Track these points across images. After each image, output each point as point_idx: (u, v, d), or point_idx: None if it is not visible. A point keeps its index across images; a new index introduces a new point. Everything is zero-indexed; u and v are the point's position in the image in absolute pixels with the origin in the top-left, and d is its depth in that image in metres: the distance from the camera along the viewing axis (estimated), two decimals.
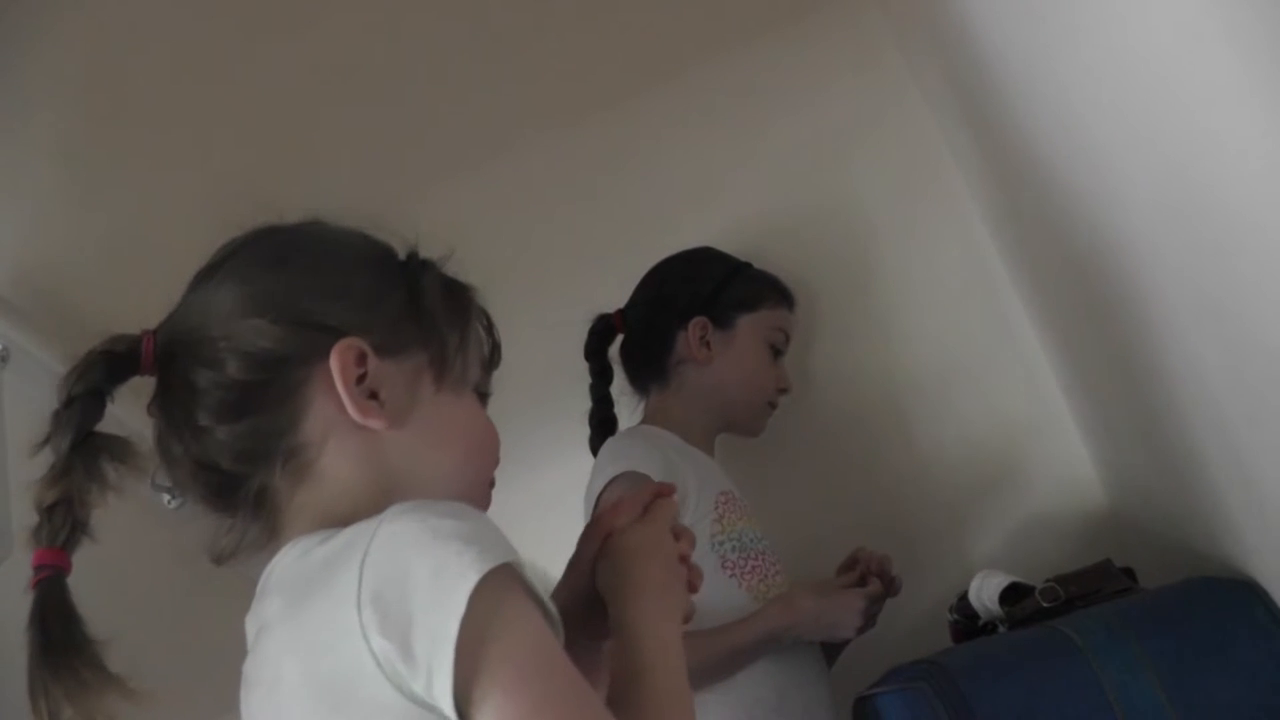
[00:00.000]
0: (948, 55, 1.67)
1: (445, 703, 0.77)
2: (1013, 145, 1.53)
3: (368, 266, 0.98)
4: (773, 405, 1.82)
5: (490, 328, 1.03)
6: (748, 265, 1.84)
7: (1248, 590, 1.31)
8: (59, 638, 0.85)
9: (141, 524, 1.93)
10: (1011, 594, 1.47)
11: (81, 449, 0.89)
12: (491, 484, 1.02)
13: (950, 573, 1.73)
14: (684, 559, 1.03)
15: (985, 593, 1.49)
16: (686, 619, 1.00)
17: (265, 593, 0.90)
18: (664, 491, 1.07)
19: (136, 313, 0.98)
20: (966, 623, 1.53)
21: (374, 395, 0.92)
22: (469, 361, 1.00)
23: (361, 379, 0.92)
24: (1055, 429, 1.85)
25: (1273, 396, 1.07)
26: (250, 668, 0.90)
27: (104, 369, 0.91)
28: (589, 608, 1.00)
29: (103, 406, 0.91)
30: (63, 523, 0.88)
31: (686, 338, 1.75)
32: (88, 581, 1.96)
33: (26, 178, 2.02)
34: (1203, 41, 0.90)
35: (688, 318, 1.75)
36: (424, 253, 1.01)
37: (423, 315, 0.97)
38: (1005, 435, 1.87)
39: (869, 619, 1.54)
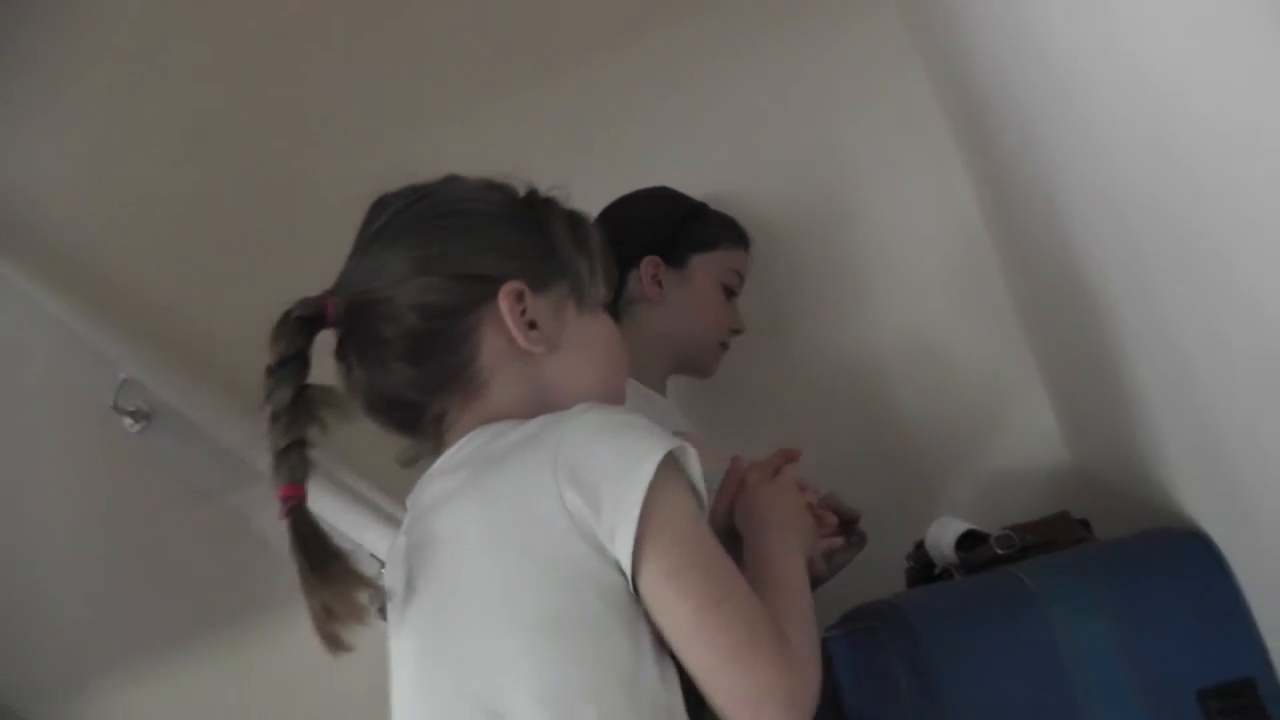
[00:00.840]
0: (941, 14, 1.67)
1: (625, 555, 0.98)
2: (996, 104, 1.53)
3: (507, 217, 1.15)
4: (724, 346, 1.80)
5: (605, 250, 1.21)
6: (703, 206, 1.81)
7: (1199, 542, 1.32)
8: (319, 553, 1.03)
9: (104, 447, 1.95)
10: (968, 541, 1.48)
11: (301, 400, 1.07)
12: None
13: (912, 522, 1.73)
14: (811, 508, 1.26)
15: (942, 539, 1.50)
16: (812, 562, 1.20)
17: (444, 472, 1.10)
18: (791, 456, 1.29)
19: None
20: (922, 569, 1.54)
21: (533, 326, 1.12)
22: (598, 284, 1.19)
23: (522, 314, 1.11)
24: (1022, 384, 1.86)
25: (1240, 348, 1.07)
26: (419, 532, 1.09)
27: (302, 331, 1.10)
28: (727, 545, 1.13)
29: (308, 363, 1.09)
30: (298, 461, 1.06)
31: (639, 276, 1.72)
32: (54, 498, 1.96)
33: None
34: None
35: (640, 257, 1.72)
36: (542, 191, 1.19)
37: (559, 252, 1.16)
38: (973, 389, 1.88)
39: (831, 567, 1.52)
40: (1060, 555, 1.39)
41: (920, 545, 1.54)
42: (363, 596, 1.02)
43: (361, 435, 1.14)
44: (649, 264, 1.72)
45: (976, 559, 1.45)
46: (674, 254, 1.75)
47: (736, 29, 1.97)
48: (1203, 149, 0.97)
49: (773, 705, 0.97)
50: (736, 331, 1.80)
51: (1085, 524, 1.54)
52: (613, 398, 1.16)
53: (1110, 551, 1.40)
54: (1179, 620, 1.27)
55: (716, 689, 0.99)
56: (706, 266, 1.76)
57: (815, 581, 1.46)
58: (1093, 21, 1.05)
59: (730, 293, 1.80)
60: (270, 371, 1.08)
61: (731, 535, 1.20)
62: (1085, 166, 1.28)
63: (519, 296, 1.11)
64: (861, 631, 1.32)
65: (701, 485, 1.05)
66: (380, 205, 1.16)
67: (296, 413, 1.07)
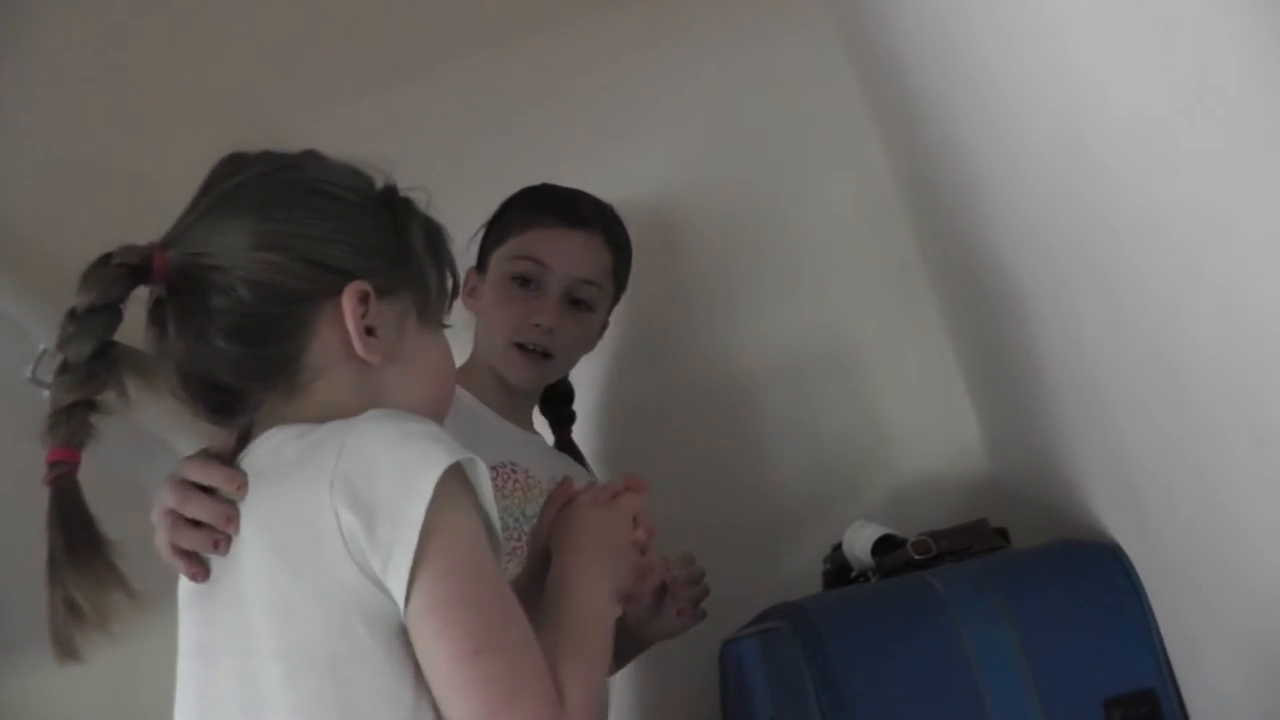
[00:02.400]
0: (871, 17, 1.68)
1: (398, 581, 0.89)
2: (922, 108, 1.54)
3: (366, 210, 1.06)
4: (522, 347, 1.56)
5: (454, 266, 1.12)
6: (520, 194, 1.65)
7: (1110, 554, 1.34)
8: (80, 534, 0.94)
9: (21, 420, 1.92)
10: (884, 545, 1.49)
11: (102, 358, 0.96)
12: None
13: (831, 525, 1.73)
14: (638, 545, 1.14)
15: (858, 543, 1.51)
16: (622, 599, 1.10)
17: None
18: (635, 485, 1.16)
19: None
20: (839, 572, 1.54)
21: (371, 332, 1.02)
22: (444, 300, 1.10)
23: (363, 317, 1.01)
24: (946, 393, 1.86)
25: (1146, 368, 1.09)
26: None
27: (121, 280, 0.98)
28: (540, 563, 1.10)
29: (119, 317, 0.98)
30: (80, 424, 0.95)
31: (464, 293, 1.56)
32: None
33: None
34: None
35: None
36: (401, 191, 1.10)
37: (410, 259, 1.06)
38: (897, 396, 1.88)
39: (655, 630, 1.44)
40: (973, 562, 1.40)
41: (838, 548, 1.55)
42: (117, 599, 0.92)
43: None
44: (468, 276, 1.60)
45: (891, 563, 1.45)
46: (480, 260, 1.64)
47: (661, 24, 1.93)
48: (1117, 166, 0.99)
49: None
50: (538, 326, 1.56)
51: (1003, 533, 1.55)
52: (436, 419, 1.06)
53: (1021, 560, 1.42)
54: (1084, 630, 1.29)
55: None
56: (497, 263, 1.60)
57: (624, 630, 1.27)
58: (1013, 27, 1.06)
59: (525, 280, 1.58)
60: (72, 317, 0.97)
61: (546, 559, 1.11)
62: (1004, 177, 1.29)
63: (364, 298, 1.01)
64: (769, 632, 1.33)
65: (491, 504, 0.97)
66: (233, 164, 1.05)
67: (94, 369, 0.96)
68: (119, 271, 0.98)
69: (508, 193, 1.68)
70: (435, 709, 0.91)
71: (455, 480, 0.92)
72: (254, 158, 1.06)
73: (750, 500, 1.86)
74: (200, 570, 1.00)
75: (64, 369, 0.97)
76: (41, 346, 1.83)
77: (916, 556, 1.44)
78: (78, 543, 0.93)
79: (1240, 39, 0.73)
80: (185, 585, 1.03)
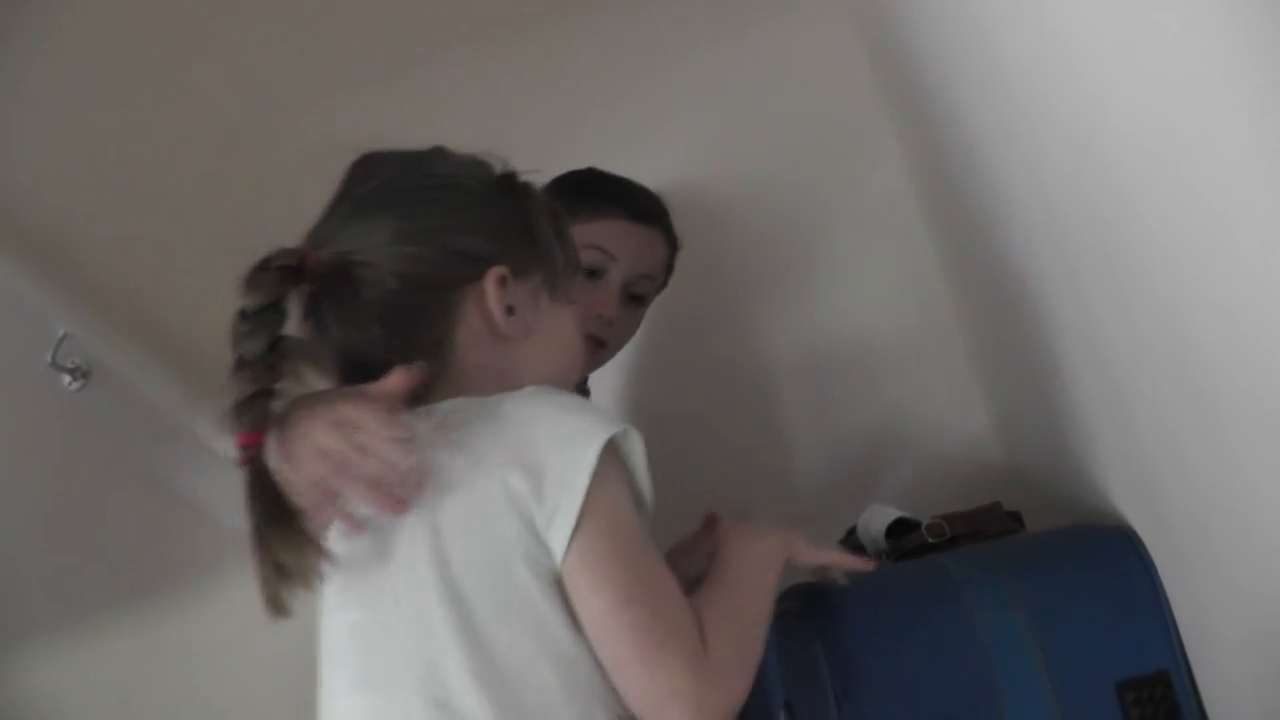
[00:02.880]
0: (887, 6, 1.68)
1: (560, 538, 0.99)
2: (938, 98, 1.53)
3: (494, 199, 1.16)
4: (592, 338, 1.52)
5: (574, 242, 1.23)
6: (577, 180, 1.62)
7: (1124, 538, 1.33)
8: (277, 508, 1.02)
9: (41, 405, 1.93)
10: (899, 528, 1.50)
11: (276, 350, 1.06)
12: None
13: (847, 509, 1.74)
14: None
15: (873, 526, 1.52)
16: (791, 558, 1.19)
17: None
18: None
19: None
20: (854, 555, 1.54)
21: (511, 311, 1.13)
22: (570, 275, 1.21)
23: (503, 299, 1.12)
24: (957, 379, 1.87)
25: (1161, 352, 1.09)
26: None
27: (281, 280, 1.09)
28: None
29: (284, 313, 1.08)
30: (262, 411, 1.04)
31: None
32: None
33: None
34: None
35: None
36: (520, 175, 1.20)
37: (537, 239, 1.17)
38: (909, 382, 1.89)
39: None
40: (986, 546, 1.41)
41: (853, 531, 1.56)
42: (314, 559, 1.02)
43: None
44: None
45: (906, 546, 1.46)
46: None
47: (677, 14, 1.93)
48: (1134, 155, 0.98)
49: (677, 709, 0.98)
50: (600, 317, 1.56)
51: (1017, 516, 1.55)
52: (566, 388, 1.17)
53: (1035, 543, 1.43)
54: (1097, 613, 1.29)
55: (624, 687, 1.00)
56: None
57: None
58: (1030, 19, 1.06)
59: (590, 271, 1.55)
60: (244, 317, 1.07)
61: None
62: (1021, 165, 1.29)
63: (502, 281, 1.12)
64: (784, 614, 1.33)
65: (645, 473, 1.07)
66: (369, 166, 1.16)
67: (270, 362, 1.06)
68: (278, 274, 1.09)
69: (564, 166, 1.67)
70: (591, 652, 1.00)
71: (612, 451, 1.02)
72: (386, 159, 1.16)
73: (768, 486, 1.87)
74: (358, 525, 1.05)
75: (240, 364, 1.06)
76: (61, 331, 1.85)
77: (931, 540, 1.45)
78: (276, 513, 1.02)
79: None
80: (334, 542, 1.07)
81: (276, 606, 1.03)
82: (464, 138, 1.18)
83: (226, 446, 1.71)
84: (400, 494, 1.02)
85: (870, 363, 1.90)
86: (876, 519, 1.52)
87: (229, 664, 1.81)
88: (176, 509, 1.82)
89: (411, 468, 1.02)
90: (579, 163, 1.71)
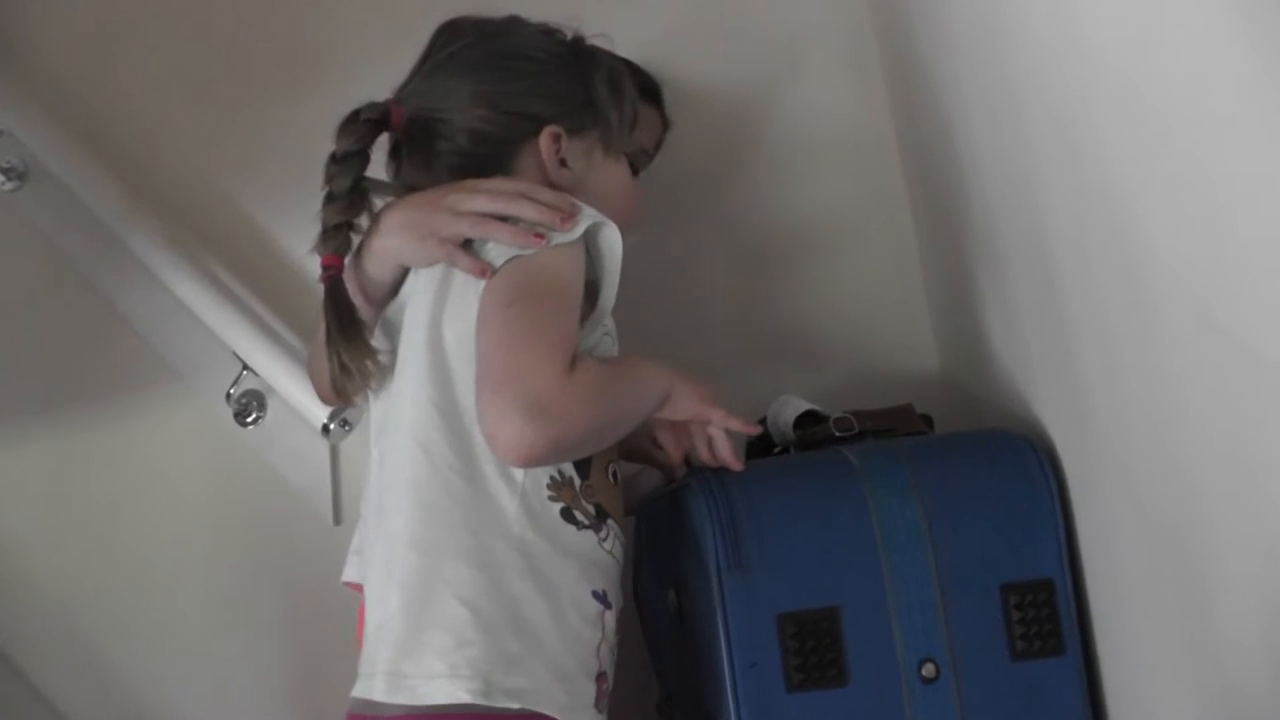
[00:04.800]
0: None
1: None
2: (923, 33, 1.54)
3: (559, 68, 1.33)
4: None
5: (635, 103, 1.40)
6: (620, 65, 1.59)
7: (1027, 444, 1.35)
8: (348, 318, 1.21)
9: None
10: (808, 420, 1.49)
11: (358, 189, 1.24)
12: None
13: (762, 398, 1.72)
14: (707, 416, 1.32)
15: (782, 417, 1.51)
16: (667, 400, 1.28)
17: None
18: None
19: None
20: (761, 444, 1.53)
21: (564, 164, 1.30)
22: (625, 132, 1.38)
23: (557, 153, 1.29)
24: (906, 292, 1.86)
25: (1105, 249, 1.10)
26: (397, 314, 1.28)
27: (368, 130, 1.26)
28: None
29: (369, 159, 1.26)
30: (345, 239, 1.24)
31: None
32: None
33: None
34: None
35: None
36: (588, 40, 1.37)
37: (595, 102, 1.34)
38: (858, 288, 1.88)
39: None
40: (892, 442, 1.40)
41: (762, 421, 1.54)
42: (369, 364, 1.21)
43: None
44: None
45: (812, 437, 1.46)
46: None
47: None
48: (1099, 45, 0.99)
49: (519, 389, 1.08)
50: None
51: (928, 419, 1.55)
52: (626, 230, 1.26)
53: (940, 443, 1.43)
54: (991, 514, 1.31)
55: (485, 366, 1.12)
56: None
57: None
58: None
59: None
60: (335, 159, 1.25)
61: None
62: (984, 59, 1.29)
63: (557, 139, 1.29)
64: (679, 490, 1.35)
65: (614, 272, 1.23)
66: (451, 33, 1.33)
67: (353, 199, 1.23)
68: (366, 125, 1.26)
69: None
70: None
71: (578, 241, 1.20)
72: (467, 27, 1.33)
73: (689, 362, 1.87)
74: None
75: (330, 198, 1.24)
76: None
77: (838, 433, 1.44)
78: (346, 323, 1.21)
79: None
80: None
81: (344, 395, 1.24)
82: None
83: (159, 262, 1.72)
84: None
85: (822, 263, 1.86)
86: (786, 410, 1.51)
87: (144, 484, 1.81)
88: (107, 323, 1.81)
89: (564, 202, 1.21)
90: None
